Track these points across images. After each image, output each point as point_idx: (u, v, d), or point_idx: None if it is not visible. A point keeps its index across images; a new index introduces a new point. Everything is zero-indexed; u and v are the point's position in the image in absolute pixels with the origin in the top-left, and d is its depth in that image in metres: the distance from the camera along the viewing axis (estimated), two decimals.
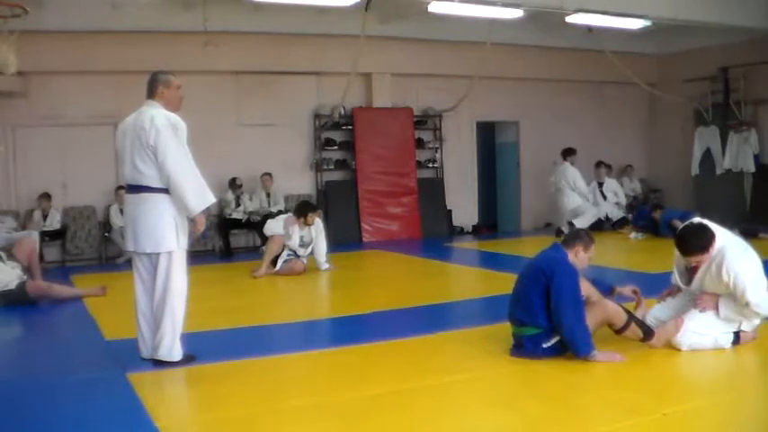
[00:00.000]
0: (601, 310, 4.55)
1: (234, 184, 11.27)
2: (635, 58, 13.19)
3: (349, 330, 5.89)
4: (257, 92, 11.72)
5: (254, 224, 11.04)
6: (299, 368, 4.74)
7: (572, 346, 4.38)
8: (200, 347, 4.87)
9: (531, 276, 4.58)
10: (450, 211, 13.14)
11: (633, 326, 4.56)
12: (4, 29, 7.41)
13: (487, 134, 14.40)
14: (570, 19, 10.40)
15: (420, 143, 12.97)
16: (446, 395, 4.04)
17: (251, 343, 5.41)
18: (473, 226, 13.48)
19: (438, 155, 13.17)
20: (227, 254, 10.97)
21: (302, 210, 8.78)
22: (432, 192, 12.97)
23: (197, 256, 8.65)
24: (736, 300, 4.48)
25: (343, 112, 12.16)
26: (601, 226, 11.99)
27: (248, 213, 11.25)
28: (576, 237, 4.77)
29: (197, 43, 10.06)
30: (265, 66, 11.57)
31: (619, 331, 4.58)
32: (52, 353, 5.44)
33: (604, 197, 12.45)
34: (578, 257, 4.62)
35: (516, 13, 10.06)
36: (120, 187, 9.25)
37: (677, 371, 4.42)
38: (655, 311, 4.90)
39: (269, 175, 11.50)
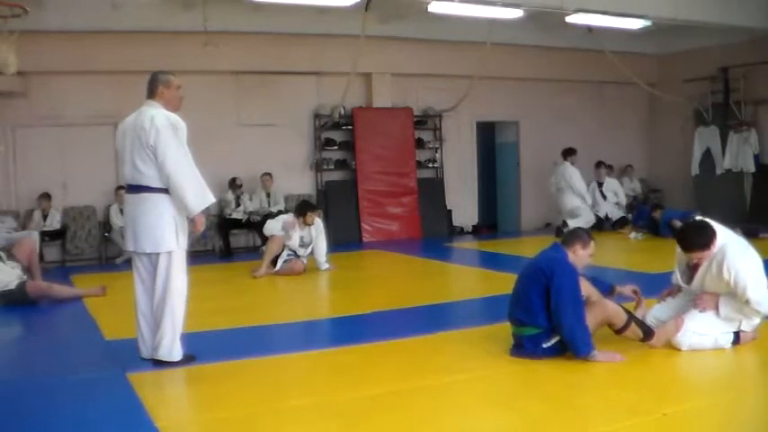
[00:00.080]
0: (601, 310, 4.55)
1: (234, 184, 11.27)
2: (635, 58, 13.19)
3: (349, 330, 5.89)
4: (257, 92, 11.72)
5: (254, 224, 11.04)
6: (299, 368, 4.74)
7: (572, 346, 4.38)
8: (200, 347, 4.87)
9: (531, 276, 4.58)
10: (450, 211, 13.14)
11: (633, 326, 4.56)
12: (4, 29, 7.41)
13: (487, 134, 14.40)
14: (570, 19, 10.40)
15: (420, 143, 12.97)
16: (446, 395, 4.04)
17: (251, 343, 5.41)
18: (473, 226, 13.48)
19: (438, 155, 13.17)
20: (227, 254, 10.97)
21: (302, 209, 8.78)
22: (432, 192, 12.97)
23: (197, 256, 8.66)
24: (737, 298, 4.48)
25: (343, 112, 12.16)
26: (601, 226, 11.99)
27: (248, 213, 11.25)
28: (574, 235, 4.77)
29: (197, 43, 10.06)
30: (265, 66, 11.57)
31: (619, 331, 4.58)
32: (52, 353, 5.44)
33: (604, 197, 12.45)
34: (577, 256, 4.62)
35: (516, 13, 10.06)
36: (120, 187, 9.25)
37: (677, 371, 4.42)
38: (655, 311, 4.91)
39: (269, 175, 11.50)
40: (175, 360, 4.64)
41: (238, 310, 6.77)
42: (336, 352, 5.07)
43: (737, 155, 12.87)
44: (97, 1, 10.04)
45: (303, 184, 12.31)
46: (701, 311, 4.59)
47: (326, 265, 8.84)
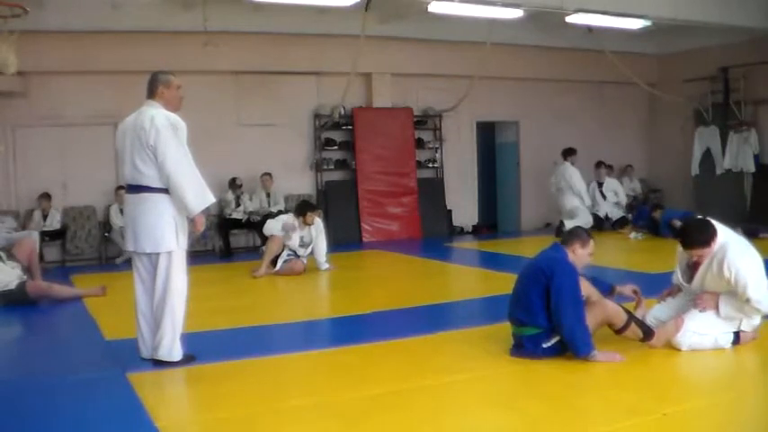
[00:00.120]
0: (601, 310, 4.55)
1: (234, 184, 11.27)
2: (635, 58, 13.19)
3: (349, 330, 5.89)
4: (257, 92, 11.72)
5: (254, 224, 11.03)
6: (299, 368, 4.74)
7: (572, 346, 4.38)
8: (200, 347, 4.87)
9: (531, 276, 4.58)
10: (450, 211, 13.14)
11: (633, 326, 4.56)
12: (4, 29, 7.41)
13: (487, 134, 14.40)
14: (570, 19, 10.40)
15: (420, 143, 12.97)
16: (446, 395, 4.04)
17: (251, 343, 5.41)
18: (473, 226, 13.48)
19: (438, 155, 13.17)
20: (227, 254, 10.97)
21: (302, 209, 8.78)
22: (432, 192, 12.97)
23: (197, 256, 8.66)
24: (737, 297, 4.48)
25: (343, 112, 12.16)
26: (601, 226, 11.99)
27: (248, 213, 11.25)
28: (573, 235, 4.77)
29: (197, 43, 10.07)
30: (265, 66, 11.57)
31: (619, 331, 4.58)
32: (52, 353, 5.44)
33: (604, 197, 12.45)
34: (577, 255, 4.62)
35: (516, 13, 10.06)
36: (120, 187, 9.25)
37: (677, 371, 4.42)
38: (655, 311, 4.91)
39: (269, 175, 11.50)
40: (175, 360, 4.64)
41: (238, 310, 6.76)
42: (336, 352, 5.07)
43: (737, 155, 12.87)
44: (97, 1, 10.04)
45: (303, 184, 12.31)
46: (701, 311, 4.59)
47: (326, 265, 8.84)
